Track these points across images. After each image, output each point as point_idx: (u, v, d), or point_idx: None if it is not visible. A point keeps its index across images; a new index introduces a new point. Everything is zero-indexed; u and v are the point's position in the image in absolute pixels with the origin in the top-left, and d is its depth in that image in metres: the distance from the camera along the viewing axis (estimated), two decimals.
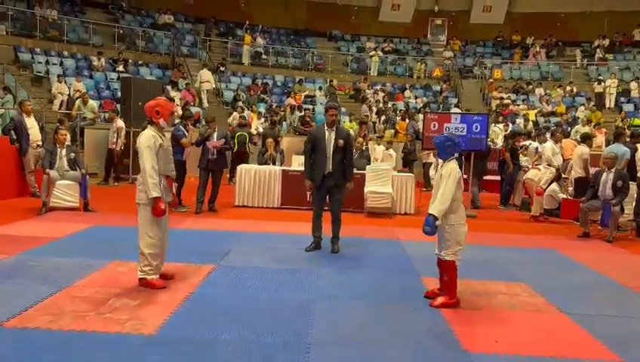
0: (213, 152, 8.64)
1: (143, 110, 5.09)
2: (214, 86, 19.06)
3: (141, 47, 20.09)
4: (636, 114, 19.25)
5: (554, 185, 9.25)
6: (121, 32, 20.18)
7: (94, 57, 18.02)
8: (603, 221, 7.87)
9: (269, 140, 10.68)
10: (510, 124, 15.85)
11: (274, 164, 10.24)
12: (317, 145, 6.33)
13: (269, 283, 5.03)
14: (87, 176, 8.50)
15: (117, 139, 11.75)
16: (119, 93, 14.24)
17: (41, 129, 10.37)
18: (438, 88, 21.86)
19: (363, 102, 19.40)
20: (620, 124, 16.55)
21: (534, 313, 4.56)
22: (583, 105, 19.75)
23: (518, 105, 19.84)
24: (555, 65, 23.55)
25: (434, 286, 4.81)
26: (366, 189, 9.18)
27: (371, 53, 23.42)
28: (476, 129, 9.41)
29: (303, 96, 19.23)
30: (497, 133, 15.09)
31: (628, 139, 9.42)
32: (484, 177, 11.56)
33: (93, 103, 14.51)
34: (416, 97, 20.91)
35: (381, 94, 20.44)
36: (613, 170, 7.85)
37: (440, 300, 4.56)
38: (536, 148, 10.99)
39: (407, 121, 16.51)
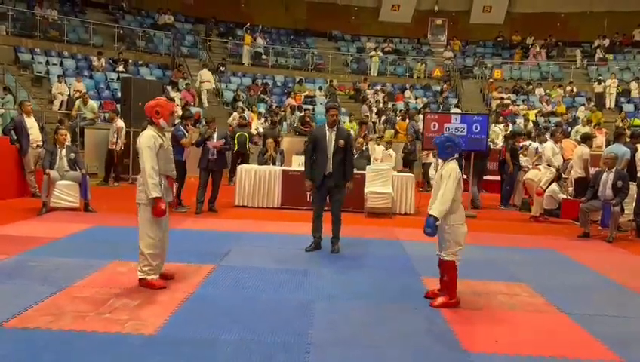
0: (214, 152, 8.64)
1: (142, 110, 5.09)
2: (214, 86, 19.07)
3: (141, 48, 20.10)
4: (636, 114, 19.26)
5: (554, 186, 9.25)
6: (121, 32, 20.20)
7: (94, 57, 18.03)
8: (603, 221, 7.87)
9: (269, 140, 10.69)
10: (510, 124, 15.85)
11: (274, 164, 10.24)
12: (318, 146, 6.33)
13: (269, 283, 5.03)
14: (87, 177, 8.50)
15: (117, 139, 11.76)
16: (119, 94, 14.25)
17: (41, 129, 10.36)
18: (438, 88, 21.87)
19: (363, 102, 19.41)
20: (620, 125, 16.56)
21: (534, 313, 4.56)
22: (583, 105, 19.76)
23: (518, 105, 19.84)
24: (555, 66, 23.55)
25: (434, 286, 4.81)
26: (366, 189, 9.18)
27: (371, 54, 23.42)
28: (476, 129, 9.42)
29: (303, 97, 19.23)
30: (497, 134, 15.09)
31: (628, 140, 9.43)
32: (484, 177, 11.56)
33: (93, 103, 14.52)
34: (416, 97, 20.92)
35: (381, 94, 20.44)
36: (613, 170, 7.85)
37: (440, 300, 4.56)
38: (537, 148, 10.99)
39: (407, 121, 16.52)
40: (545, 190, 9.30)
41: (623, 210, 7.96)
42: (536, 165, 10.44)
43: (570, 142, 11.43)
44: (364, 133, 13.94)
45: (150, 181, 4.56)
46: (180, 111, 13.16)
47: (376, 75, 22.87)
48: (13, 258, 5.48)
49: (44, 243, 6.18)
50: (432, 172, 12.24)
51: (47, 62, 17.08)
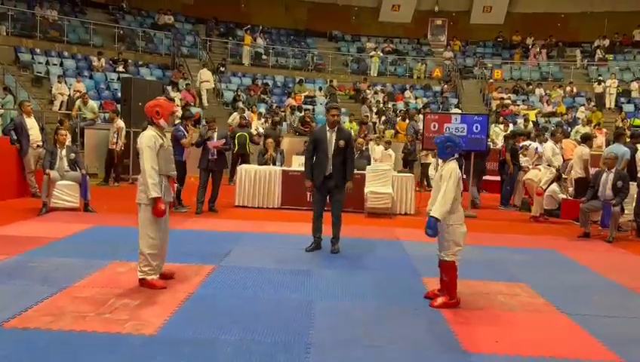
0: (214, 153, 8.64)
1: (143, 110, 5.09)
2: (214, 86, 19.06)
3: (141, 48, 20.11)
4: (636, 114, 19.25)
5: (554, 186, 9.25)
6: (122, 32, 20.20)
7: (94, 58, 18.03)
8: (603, 221, 7.86)
9: (269, 141, 10.69)
10: (510, 125, 15.85)
11: (274, 164, 10.24)
12: (318, 146, 6.33)
13: (270, 283, 5.03)
14: (88, 177, 8.50)
15: (117, 139, 11.75)
16: (119, 94, 14.26)
17: (42, 129, 10.36)
18: (438, 89, 21.88)
19: (363, 102, 19.40)
20: (620, 125, 16.54)
21: (534, 313, 4.56)
22: (583, 105, 19.76)
23: (518, 105, 19.84)
24: (555, 66, 23.55)
25: (434, 287, 4.81)
26: (366, 190, 9.18)
27: (371, 54, 23.42)
28: (476, 129, 9.42)
29: (303, 97, 19.24)
30: (497, 134, 15.09)
31: (628, 140, 9.43)
32: (484, 177, 11.56)
33: (93, 104, 14.52)
34: (416, 98, 20.92)
35: (381, 95, 20.45)
36: (613, 170, 7.85)
37: (440, 301, 4.56)
38: (537, 148, 10.99)
39: (407, 121, 16.52)
40: (545, 190, 9.30)
41: (623, 210, 7.97)
42: (537, 165, 10.44)
43: (570, 142, 11.43)
44: (364, 133, 13.94)
45: (150, 181, 4.56)
46: (180, 112, 13.16)
47: (376, 75, 22.87)
48: (13, 258, 5.48)
49: (45, 243, 6.18)
50: (431, 172, 12.24)
51: (48, 63, 17.08)
